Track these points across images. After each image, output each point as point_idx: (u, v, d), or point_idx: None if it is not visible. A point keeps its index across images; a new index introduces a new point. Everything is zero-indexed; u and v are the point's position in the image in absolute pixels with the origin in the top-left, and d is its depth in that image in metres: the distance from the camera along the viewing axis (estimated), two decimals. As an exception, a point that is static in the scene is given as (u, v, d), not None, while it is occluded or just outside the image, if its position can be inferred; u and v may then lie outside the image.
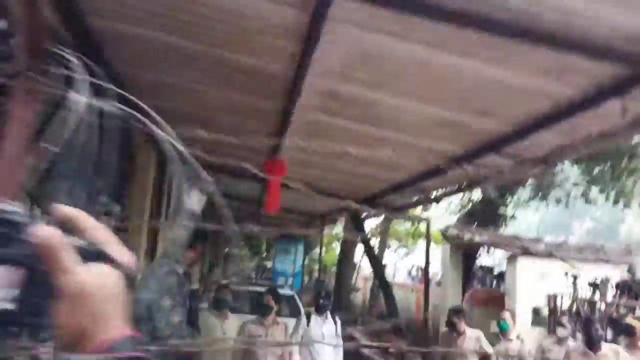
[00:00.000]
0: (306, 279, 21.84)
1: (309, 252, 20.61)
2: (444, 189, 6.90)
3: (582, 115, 3.53)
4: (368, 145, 5.48)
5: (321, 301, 5.42)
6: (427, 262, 8.89)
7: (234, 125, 6.31)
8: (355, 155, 5.78)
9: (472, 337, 5.49)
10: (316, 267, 19.69)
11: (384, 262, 18.51)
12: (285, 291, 9.73)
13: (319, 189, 8.84)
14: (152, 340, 2.87)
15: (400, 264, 19.38)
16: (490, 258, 11.29)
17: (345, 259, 16.50)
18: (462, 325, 5.49)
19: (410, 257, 19.37)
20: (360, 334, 11.59)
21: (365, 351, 9.78)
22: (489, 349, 5.47)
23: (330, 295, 5.70)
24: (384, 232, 17.30)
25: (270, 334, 4.27)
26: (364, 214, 10.29)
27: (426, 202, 7.81)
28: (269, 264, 23.49)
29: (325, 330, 5.34)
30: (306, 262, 23.40)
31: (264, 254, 34.82)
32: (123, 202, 5.18)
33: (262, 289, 9.78)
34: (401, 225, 19.42)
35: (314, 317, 5.36)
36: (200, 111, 5.72)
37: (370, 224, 21.95)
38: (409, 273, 17.78)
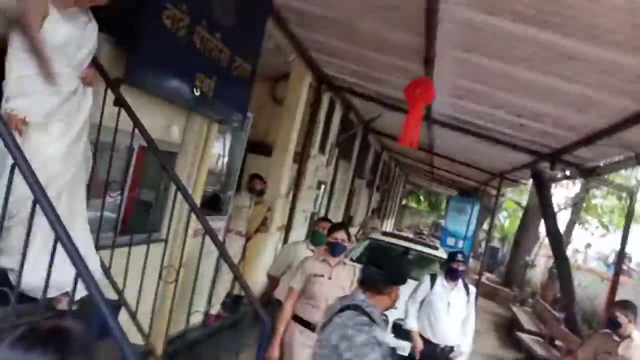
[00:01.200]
0: (482, 244, 20.07)
1: (486, 215, 18.70)
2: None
3: None
4: (543, 64, 4.03)
5: (454, 265, 4.36)
6: (624, 245, 6.87)
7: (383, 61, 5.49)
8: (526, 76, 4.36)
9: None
10: (493, 234, 17.80)
11: (574, 240, 15.77)
12: (439, 253, 8.22)
13: (486, 136, 7.39)
14: None
15: (596, 247, 16.23)
16: None
17: (526, 230, 14.42)
18: (629, 328, 3.79)
19: (610, 240, 16.01)
20: (524, 316, 9.96)
21: (524, 337, 8.26)
22: None
23: (466, 260, 4.58)
24: (577, 203, 14.55)
25: (334, 275, 3.45)
26: (548, 175, 8.45)
27: (632, 162, 5.83)
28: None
29: (452, 298, 4.35)
30: (484, 226, 21.53)
31: (443, 212, 33.46)
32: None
33: (420, 249, 8.19)
34: (603, 199, 16.12)
35: (440, 281, 4.39)
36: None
37: (564, 193, 18.88)
38: (605, 259, 14.76)
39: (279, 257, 4.43)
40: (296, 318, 3.43)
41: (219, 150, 6.18)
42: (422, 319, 4.38)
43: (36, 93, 2.22)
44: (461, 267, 4.37)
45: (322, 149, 9.13)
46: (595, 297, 10.34)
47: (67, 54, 2.32)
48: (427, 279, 4.41)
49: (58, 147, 2.31)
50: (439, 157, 12.16)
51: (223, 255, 3.05)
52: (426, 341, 4.33)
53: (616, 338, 3.89)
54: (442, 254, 7.83)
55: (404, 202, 36.05)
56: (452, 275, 4.36)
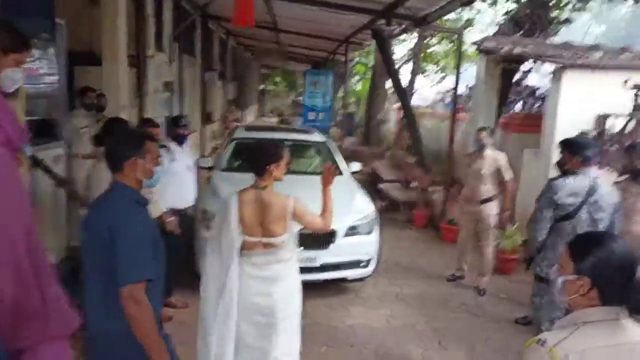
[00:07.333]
0: (341, 112, 20.96)
1: (340, 83, 19.34)
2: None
3: None
4: None
5: (181, 131, 4.56)
6: (457, 83, 7.59)
7: None
8: None
9: (490, 157, 5.10)
10: (348, 100, 18.55)
11: (418, 88, 17.10)
12: (315, 137, 6.75)
13: (324, 2, 7.34)
14: None
15: (436, 90, 17.77)
16: (541, 77, 9.71)
17: (375, 89, 15.23)
18: (486, 141, 5.10)
19: (448, 82, 17.62)
20: (383, 168, 10.90)
21: (382, 186, 9.12)
22: (506, 175, 5.07)
23: (186, 123, 4.68)
24: (416, 54, 15.56)
25: None
26: (387, 32, 8.78)
27: (456, 4, 6.23)
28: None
29: (188, 160, 4.65)
30: (340, 94, 22.31)
31: (301, 90, 33.90)
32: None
33: (293, 137, 6.61)
34: (438, 45, 17.41)
35: (173, 147, 4.48)
36: None
37: (406, 47, 19.98)
38: (443, 99, 16.32)
39: None
40: None
41: (39, 68, 5.38)
42: (168, 190, 4.09)
43: None
44: (186, 132, 4.60)
45: (159, 46, 8.42)
46: (439, 136, 11.54)
47: None
48: (173, 150, 4.45)
49: None
50: (285, 32, 11.95)
51: (61, 183, 2.79)
52: (175, 212, 4.13)
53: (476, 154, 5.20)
54: (317, 137, 6.76)
55: (261, 87, 35.67)
56: (181, 140, 4.56)
